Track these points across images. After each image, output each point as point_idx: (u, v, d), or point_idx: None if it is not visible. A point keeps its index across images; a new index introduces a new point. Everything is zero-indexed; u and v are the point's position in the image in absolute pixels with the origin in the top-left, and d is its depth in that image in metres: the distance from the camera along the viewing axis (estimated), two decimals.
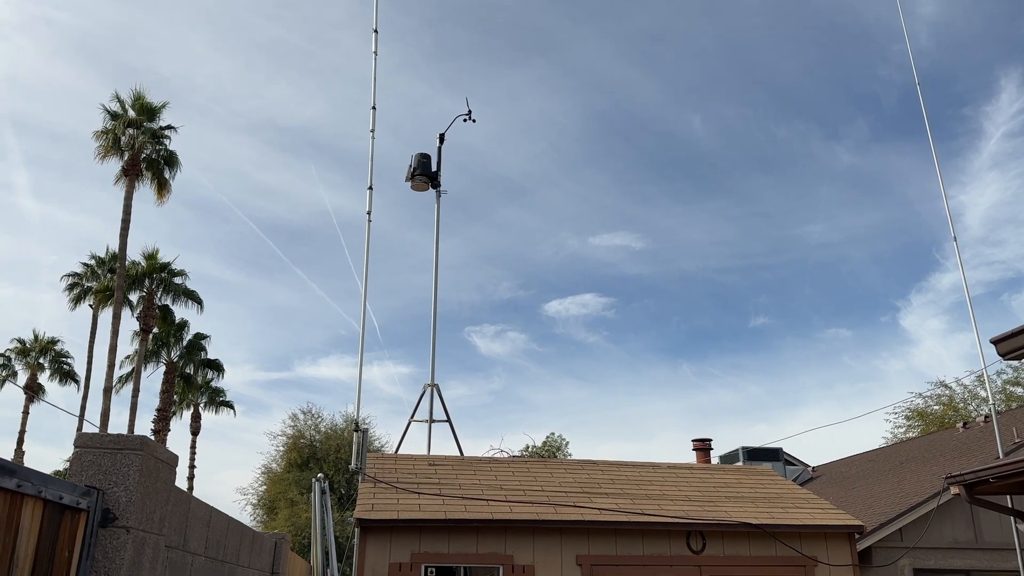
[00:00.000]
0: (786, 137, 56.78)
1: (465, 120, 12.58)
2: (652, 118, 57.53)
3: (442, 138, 12.52)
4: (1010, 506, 8.58)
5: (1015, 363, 31.30)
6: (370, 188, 11.40)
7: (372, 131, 11.64)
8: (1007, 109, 49.65)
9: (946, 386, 32.88)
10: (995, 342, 6.89)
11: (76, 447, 3.28)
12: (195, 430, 36.68)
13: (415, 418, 11.55)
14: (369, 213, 11.30)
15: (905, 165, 55.80)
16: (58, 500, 2.81)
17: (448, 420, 11.56)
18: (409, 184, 12.20)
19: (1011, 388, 31.87)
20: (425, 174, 12.06)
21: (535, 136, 58.13)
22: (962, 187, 52.10)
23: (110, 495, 3.19)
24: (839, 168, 55.88)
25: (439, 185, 12.35)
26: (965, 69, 51.42)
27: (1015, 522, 9.17)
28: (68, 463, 3.30)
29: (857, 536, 8.95)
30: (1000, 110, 50.02)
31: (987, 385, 12.08)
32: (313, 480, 11.48)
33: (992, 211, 54.54)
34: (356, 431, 9.37)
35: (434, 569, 8.04)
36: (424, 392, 11.54)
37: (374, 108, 11.75)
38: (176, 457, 3.70)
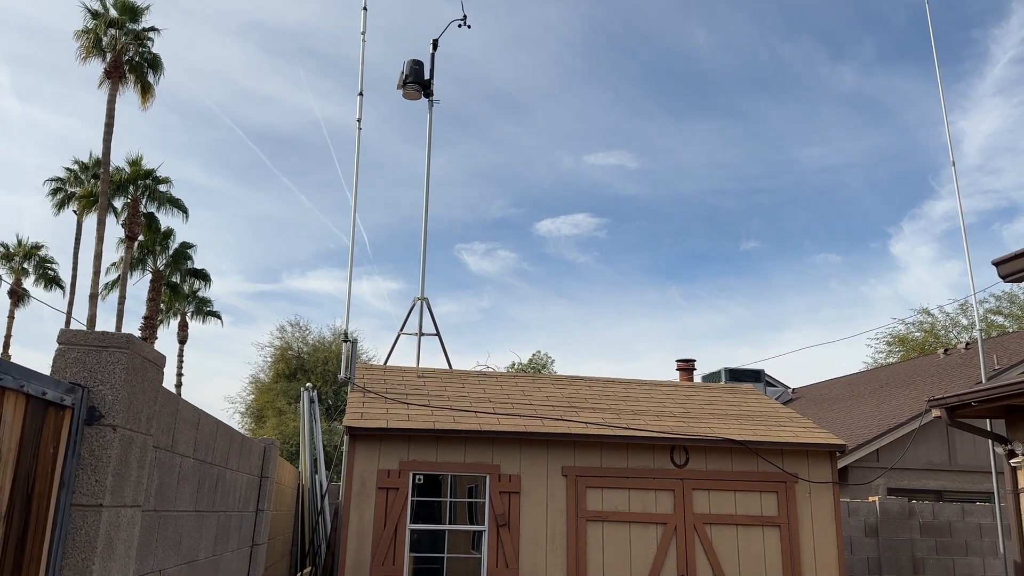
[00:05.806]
0: (791, 56, 55.55)
1: (460, 25, 12.15)
2: (656, 31, 55.92)
3: (435, 44, 12.10)
4: (989, 430, 8.73)
5: (997, 292, 31.65)
6: (360, 94, 11.07)
7: (363, 33, 11.23)
8: (1017, 32, 48.36)
9: (929, 313, 33.33)
10: (997, 263, 6.86)
11: (60, 343, 3.20)
12: (182, 339, 36.80)
13: (404, 331, 11.56)
14: (359, 121, 11.01)
15: (909, 88, 54.88)
16: (41, 396, 2.73)
17: (437, 334, 11.58)
18: (400, 92, 11.86)
19: (992, 317, 32.34)
20: (417, 82, 11.70)
21: (535, 48, 56.61)
22: (963, 112, 51.45)
23: (95, 393, 3.13)
24: (843, 90, 54.92)
25: (431, 94, 12.01)
26: None
27: (992, 445, 9.36)
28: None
29: (838, 455, 9.12)
30: (1009, 33, 48.78)
31: (976, 309, 12.20)
32: (302, 389, 11.55)
33: (992, 139, 54.08)
34: (346, 341, 9.37)
35: (422, 477, 8.15)
36: (414, 305, 11.52)
37: (365, 8, 11.30)
38: (163, 357, 3.62)
